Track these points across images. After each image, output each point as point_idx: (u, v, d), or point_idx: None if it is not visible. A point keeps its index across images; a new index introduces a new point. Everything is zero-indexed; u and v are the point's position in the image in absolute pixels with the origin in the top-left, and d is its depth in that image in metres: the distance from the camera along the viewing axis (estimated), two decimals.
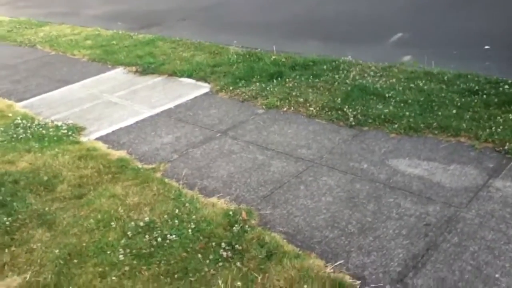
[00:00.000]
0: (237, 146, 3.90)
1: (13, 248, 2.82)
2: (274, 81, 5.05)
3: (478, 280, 2.26)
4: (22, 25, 10.54)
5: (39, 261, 2.70)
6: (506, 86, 4.11)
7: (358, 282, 2.34)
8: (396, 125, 3.79)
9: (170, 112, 4.77)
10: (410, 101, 4.13)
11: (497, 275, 2.27)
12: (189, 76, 5.68)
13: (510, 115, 3.65)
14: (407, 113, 3.91)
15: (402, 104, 4.10)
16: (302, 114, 4.30)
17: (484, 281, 2.24)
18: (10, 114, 5.04)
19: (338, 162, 3.45)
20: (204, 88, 5.28)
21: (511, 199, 2.77)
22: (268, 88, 4.87)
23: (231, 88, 5.07)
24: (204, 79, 5.53)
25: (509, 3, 7.17)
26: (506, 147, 3.25)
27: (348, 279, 2.35)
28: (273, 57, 5.81)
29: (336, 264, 2.46)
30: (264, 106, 4.55)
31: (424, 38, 6.18)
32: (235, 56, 6.06)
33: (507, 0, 7.33)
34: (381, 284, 2.31)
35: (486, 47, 5.52)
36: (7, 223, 3.02)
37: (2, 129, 4.59)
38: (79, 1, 14.07)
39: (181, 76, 5.73)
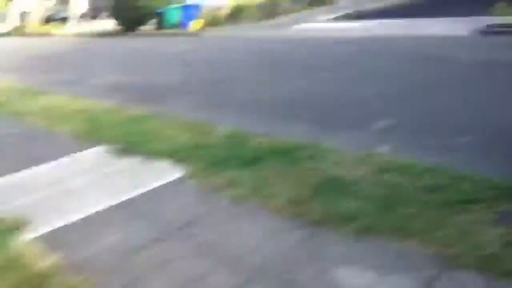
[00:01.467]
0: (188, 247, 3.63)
1: None
2: (249, 168, 4.88)
3: None
4: (21, 94, 10.63)
5: None
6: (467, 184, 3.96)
7: None
8: (354, 224, 3.57)
9: (131, 202, 4.55)
10: (374, 197, 3.94)
11: None
12: (167, 158, 5.51)
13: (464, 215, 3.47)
14: (369, 211, 3.72)
15: (369, 200, 3.90)
16: (266, 208, 4.05)
17: None
18: None
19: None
20: (176, 173, 5.11)
21: None
22: (240, 177, 4.67)
23: (204, 174, 4.90)
24: (180, 161, 5.35)
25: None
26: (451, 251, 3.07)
27: None
28: (257, 139, 5.66)
29: None
30: (231, 198, 4.32)
31: (409, 127, 6.01)
32: (218, 138, 5.95)
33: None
34: None
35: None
36: None
37: None
38: (90, 68, 14.57)
39: (160, 157, 5.57)
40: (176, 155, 5.53)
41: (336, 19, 21.16)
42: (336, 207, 3.83)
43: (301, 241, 3.53)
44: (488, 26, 12.15)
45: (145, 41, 21.94)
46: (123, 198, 4.66)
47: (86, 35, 28.51)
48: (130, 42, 22.23)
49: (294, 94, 8.39)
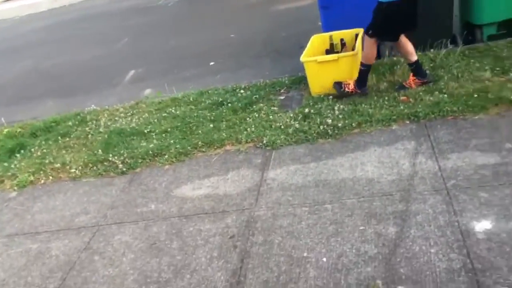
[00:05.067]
0: None
1: None
2: (17, 155, 4.40)
3: (293, 265, 2.41)
4: None
5: None
6: (242, 91, 4.58)
7: None
8: (166, 156, 3.76)
9: None
10: (169, 129, 4.17)
11: (305, 254, 2.46)
12: None
13: (255, 113, 4.06)
14: (172, 141, 3.93)
15: (163, 135, 4.11)
16: (64, 180, 3.85)
17: (298, 264, 2.41)
18: None
19: (125, 213, 3.22)
20: None
21: (286, 184, 3.07)
22: (13, 166, 4.21)
23: None
24: None
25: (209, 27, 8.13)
26: (264, 141, 3.59)
27: None
28: (6, 130, 5.07)
29: None
30: (15, 188, 3.89)
31: (155, 69, 6.41)
32: None
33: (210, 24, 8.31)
34: None
35: (211, 63, 6.09)
36: None
37: None
38: None
39: None
40: None
41: None
42: (139, 150, 3.86)
43: (125, 188, 3.50)
44: None
45: None
46: None
47: None
48: None
49: (18, 74, 7.58)
